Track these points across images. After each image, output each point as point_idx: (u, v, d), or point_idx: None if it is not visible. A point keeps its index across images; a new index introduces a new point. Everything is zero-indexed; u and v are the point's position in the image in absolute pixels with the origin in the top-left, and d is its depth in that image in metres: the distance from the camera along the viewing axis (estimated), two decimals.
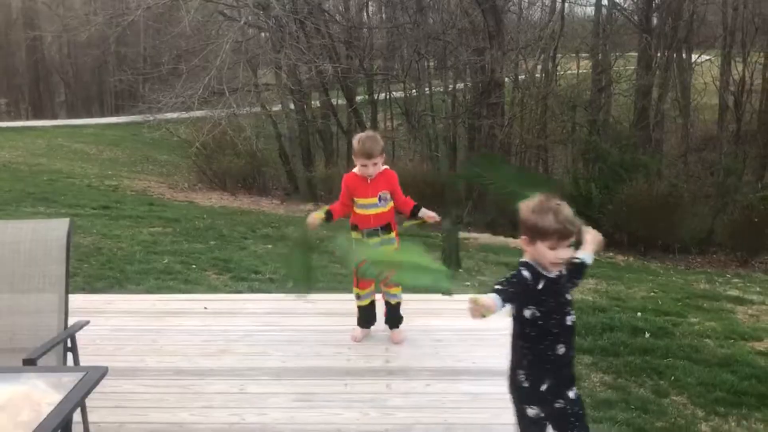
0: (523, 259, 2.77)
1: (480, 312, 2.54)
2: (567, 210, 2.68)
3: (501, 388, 3.89)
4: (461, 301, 5.84)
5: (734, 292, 10.07)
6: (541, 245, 2.67)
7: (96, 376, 2.25)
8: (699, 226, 16.61)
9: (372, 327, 4.66)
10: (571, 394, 2.87)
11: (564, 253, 2.68)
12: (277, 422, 3.55)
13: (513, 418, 3.56)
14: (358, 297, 4.58)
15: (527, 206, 2.71)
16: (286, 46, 17.35)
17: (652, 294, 9.10)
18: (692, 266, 14.80)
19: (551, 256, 2.67)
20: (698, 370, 6.14)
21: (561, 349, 2.76)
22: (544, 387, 2.79)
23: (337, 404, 3.73)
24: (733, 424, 5.20)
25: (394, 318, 4.61)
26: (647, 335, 6.92)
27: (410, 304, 5.06)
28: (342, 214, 4.47)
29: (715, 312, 8.37)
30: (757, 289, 10.82)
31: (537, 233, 2.67)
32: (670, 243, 15.71)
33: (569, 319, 2.78)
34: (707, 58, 24.27)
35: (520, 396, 2.83)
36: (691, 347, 6.70)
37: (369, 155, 4.28)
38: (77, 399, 2.11)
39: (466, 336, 4.59)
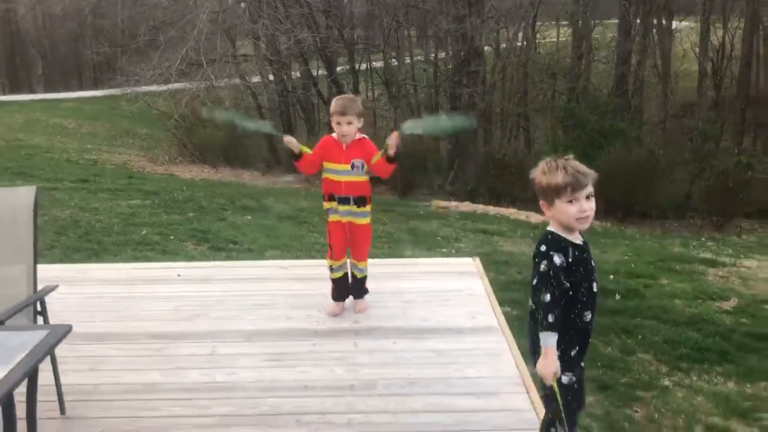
0: (548, 230, 2.76)
1: (553, 369, 2.61)
2: (575, 162, 2.70)
3: (464, 344, 4.05)
4: (429, 264, 5.99)
5: (707, 255, 10.25)
6: (560, 203, 2.66)
7: (60, 332, 2.33)
8: (676, 191, 16.80)
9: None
10: (582, 363, 2.89)
11: (586, 204, 2.67)
12: (246, 380, 3.66)
13: (474, 373, 3.71)
14: (332, 269, 4.62)
15: (538, 171, 2.73)
16: (263, 15, 17.23)
17: (626, 257, 9.27)
18: (669, 231, 15.01)
19: (574, 211, 2.65)
20: (665, 329, 6.32)
21: (588, 316, 2.75)
22: (574, 353, 2.79)
23: (306, 363, 3.84)
24: (694, 378, 5.40)
25: (358, 289, 4.67)
26: (618, 297, 7.09)
27: (381, 268, 5.18)
28: (306, 164, 4.46)
29: (686, 274, 8.56)
30: (730, 251, 11.03)
31: (552, 192, 2.67)
32: (648, 208, 15.90)
33: (595, 286, 2.78)
34: (687, 24, 24.35)
35: None
36: (660, 308, 6.88)
37: (342, 112, 4.29)
38: (42, 352, 2.20)
39: (432, 297, 4.71)
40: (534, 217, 12.58)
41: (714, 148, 18.77)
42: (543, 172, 2.70)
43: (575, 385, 2.81)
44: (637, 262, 8.97)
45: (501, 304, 4.78)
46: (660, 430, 4.56)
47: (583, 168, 2.69)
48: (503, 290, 6.47)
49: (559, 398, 2.69)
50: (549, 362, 2.61)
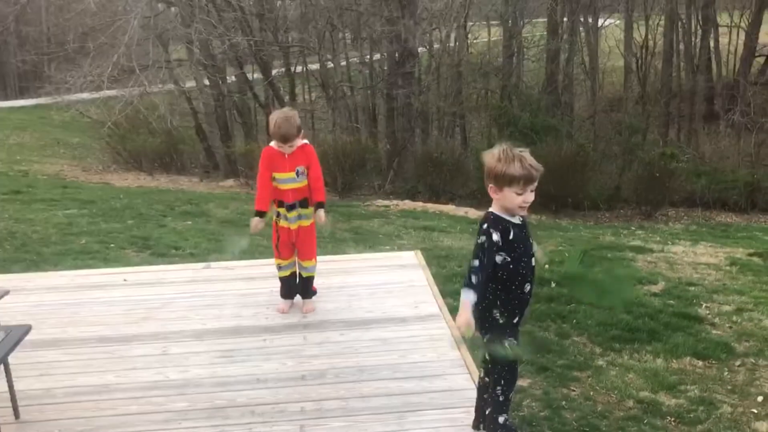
0: (490, 211, 3.02)
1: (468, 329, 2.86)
2: (530, 156, 2.95)
3: (408, 332, 4.24)
4: (373, 259, 6.16)
5: (637, 243, 10.69)
6: (509, 191, 2.92)
7: (20, 332, 2.40)
8: (607, 183, 17.42)
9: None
10: (519, 328, 3.22)
11: (529, 196, 2.95)
12: (199, 377, 3.76)
13: (419, 358, 3.89)
14: (279, 268, 4.74)
15: (492, 156, 2.96)
16: (196, 20, 17.11)
17: (560, 248, 9.62)
18: (601, 221, 15.57)
19: (519, 201, 2.94)
20: (598, 312, 6.60)
21: (528, 287, 3.06)
22: (515, 321, 3.11)
23: (257, 358, 3.96)
24: (626, 357, 5.70)
25: (305, 289, 4.79)
26: (553, 285, 7.37)
27: (327, 264, 5.32)
28: (269, 196, 4.57)
29: (617, 261, 8.94)
30: (658, 238, 11.53)
31: (505, 180, 2.91)
32: (580, 201, 16.44)
33: (533, 260, 3.09)
34: (612, 21, 25.21)
35: (497, 332, 3.07)
36: None
37: (285, 139, 4.39)
38: (5, 350, 2.26)
39: (376, 289, 4.89)
40: (472, 213, 12.90)
41: (641, 141, 19.48)
42: (499, 160, 2.92)
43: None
44: (571, 251, 9.31)
45: (444, 296, 4.99)
46: (595, 407, 4.81)
47: (536, 163, 2.95)
48: (445, 283, 6.67)
49: (466, 342, 2.99)
50: (464, 316, 2.87)
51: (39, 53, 25.44)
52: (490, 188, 2.99)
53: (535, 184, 2.98)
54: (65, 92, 18.87)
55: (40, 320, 4.51)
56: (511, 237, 2.96)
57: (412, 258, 5.58)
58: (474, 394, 3.40)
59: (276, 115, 4.54)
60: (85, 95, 19.19)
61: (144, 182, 17.03)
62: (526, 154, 2.95)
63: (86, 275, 5.57)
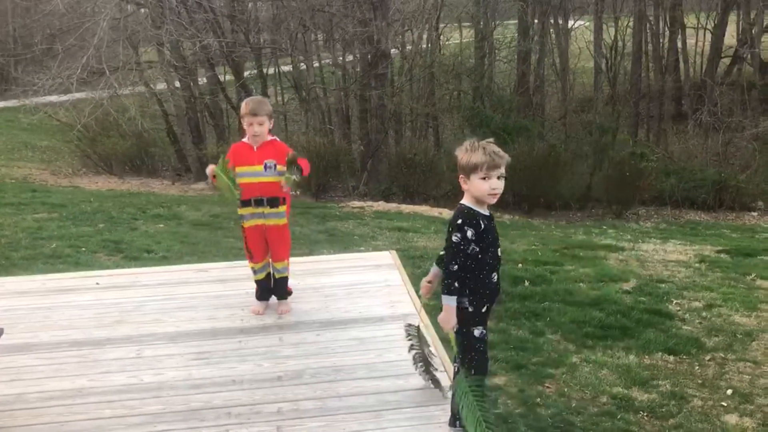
0: (462, 203, 3.14)
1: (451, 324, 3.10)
2: (494, 145, 3.11)
3: (384, 331, 4.26)
4: (348, 259, 6.17)
5: (608, 241, 10.84)
6: (475, 178, 3.06)
7: None
8: (578, 183, 17.59)
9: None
10: (488, 321, 3.31)
11: (496, 183, 3.07)
12: (174, 380, 3.73)
13: (395, 357, 3.91)
14: (254, 272, 4.72)
15: (461, 149, 3.13)
16: (167, 21, 16.97)
17: (533, 247, 9.71)
18: (572, 220, 15.74)
19: (486, 187, 3.06)
20: (571, 310, 6.69)
21: (495, 277, 3.19)
22: (484, 310, 3.20)
23: (232, 359, 3.94)
24: (599, 354, 5.77)
25: (279, 291, 4.77)
26: (527, 283, 7.44)
27: (302, 265, 5.31)
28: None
29: (589, 259, 9.04)
30: (629, 237, 11.69)
31: (470, 168, 3.07)
32: (552, 200, 16.61)
33: (500, 251, 3.22)
34: (582, 23, 25.50)
35: (466, 320, 3.17)
36: (565, 291, 7.26)
37: (254, 113, 4.41)
38: None
39: (352, 290, 4.89)
40: (446, 213, 12.96)
41: (611, 141, 19.71)
42: (465, 150, 3.12)
43: (485, 338, 3.23)
44: (544, 250, 9.39)
45: (419, 296, 5.00)
46: (570, 403, 4.86)
47: (499, 151, 3.12)
48: (420, 283, 6.70)
49: (454, 346, 3.21)
50: (449, 317, 3.10)
51: (5, 55, 25.03)
52: (461, 179, 3.13)
53: (501, 171, 3.10)
54: (33, 94, 18.55)
55: (11, 325, 4.44)
56: (482, 228, 3.08)
57: (388, 258, 5.59)
58: (450, 392, 3.42)
59: (248, 98, 4.64)
60: (54, 98, 18.91)
61: (114, 185, 16.83)
62: (491, 143, 3.12)
63: (57, 279, 5.48)
